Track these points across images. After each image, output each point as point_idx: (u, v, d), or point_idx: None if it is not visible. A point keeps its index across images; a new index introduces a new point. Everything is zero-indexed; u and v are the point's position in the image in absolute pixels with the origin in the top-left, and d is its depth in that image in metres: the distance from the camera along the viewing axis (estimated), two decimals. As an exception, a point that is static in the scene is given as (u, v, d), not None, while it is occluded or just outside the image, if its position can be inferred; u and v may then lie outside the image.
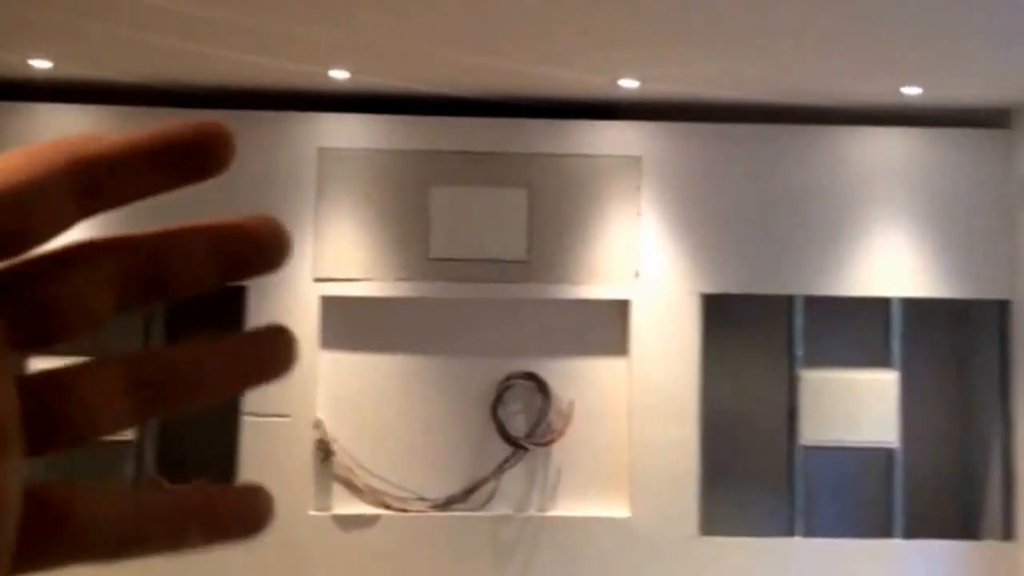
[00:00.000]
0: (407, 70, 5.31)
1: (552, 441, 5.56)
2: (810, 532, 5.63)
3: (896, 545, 5.63)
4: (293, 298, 5.46)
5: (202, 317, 5.56)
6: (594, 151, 5.65)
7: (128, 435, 5.34)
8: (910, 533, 5.65)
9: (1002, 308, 5.75)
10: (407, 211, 5.57)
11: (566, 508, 5.58)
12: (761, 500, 5.78)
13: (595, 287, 5.60)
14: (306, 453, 5.42)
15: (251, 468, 5.35)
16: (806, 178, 5.72)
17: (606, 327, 5.64)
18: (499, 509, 5.55)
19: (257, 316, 5.41)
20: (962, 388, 6.07)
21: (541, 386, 5.58)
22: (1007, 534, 5.67)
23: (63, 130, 5.35)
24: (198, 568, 5.20)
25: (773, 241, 5.68)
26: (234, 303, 5.42)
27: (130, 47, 5.00)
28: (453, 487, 5.55)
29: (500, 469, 5.54)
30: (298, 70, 5.25)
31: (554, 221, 5.60)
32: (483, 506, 5.55)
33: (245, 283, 5.29)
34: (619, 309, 5.61)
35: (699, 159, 5.68)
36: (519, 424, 5.59)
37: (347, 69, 5.26)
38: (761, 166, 5.69)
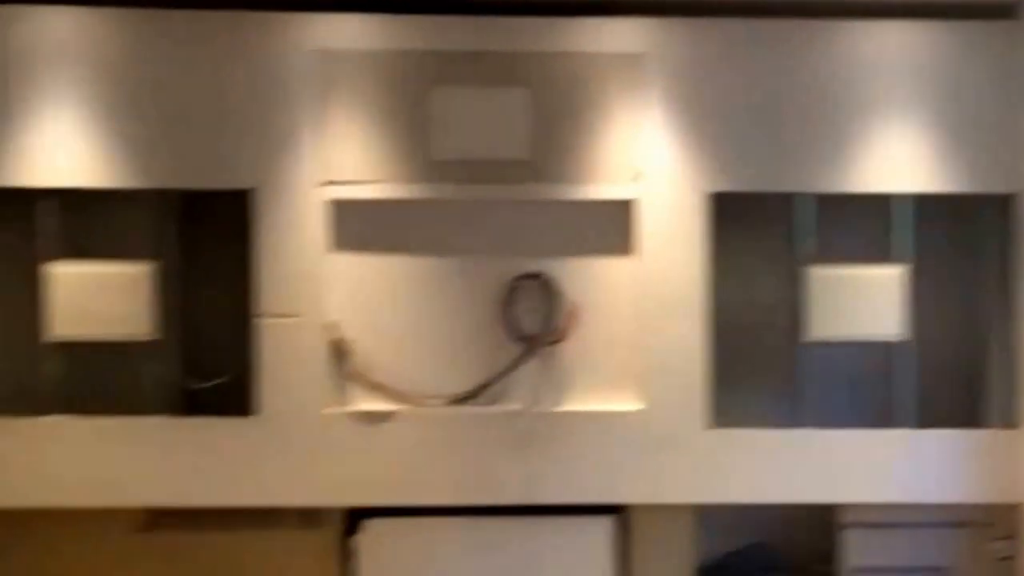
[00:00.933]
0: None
1: (561, 339, 5.76)
2: (817, 423, 5.83)
3: (900, 435, 5.82)
4: (299, 201, 5.63)
5: (212, 223, 5.91)
6: (597, 49, 5.72)
7: (151, 335, 5.67)
8: (914, 423, 5.84)
9: (1006, 202, 5.85)
10: (408, 112, 5.69)
11: (577, 403, 5.80)
12: (769, 393, 5.96)
13: (599, 187, 5.74)
14: (320, 353, 5.64)
15: (269, 368, 5.60)
16: (812, 73, 5.79)
17: (612, 226, 5.77)
18: (511, 405, 5.78)
19: (266, 220, 5.64)
20: (966, 281, 6.18)
21: (549, 285, 5.77)
22: (1009, 422, 5.85)
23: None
24: (219, 470, 5.63)
25: (779, 138, 5.76)
26: (242, 208, 5.63)
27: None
28: (465, 384, 5.78)
29: (511, 367, 5.75)
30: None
31: (557, 121, 5.71)
32: (495, 402, 5.80)
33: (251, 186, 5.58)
34: (624, 209, 5.75)
35: (703, 56, 5.75)
36: (529, 323, 5.78)
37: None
38: (766, 62, 5.76)
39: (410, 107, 5.70)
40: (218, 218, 5.82)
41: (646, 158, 5.75)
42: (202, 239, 5.88)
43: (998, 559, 5.92)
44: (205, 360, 5.79)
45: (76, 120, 5.62)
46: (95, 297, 5.65)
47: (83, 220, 5.76)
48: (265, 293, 5.63)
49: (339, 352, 5.69)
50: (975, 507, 5.89)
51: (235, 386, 5.68)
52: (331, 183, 5.67)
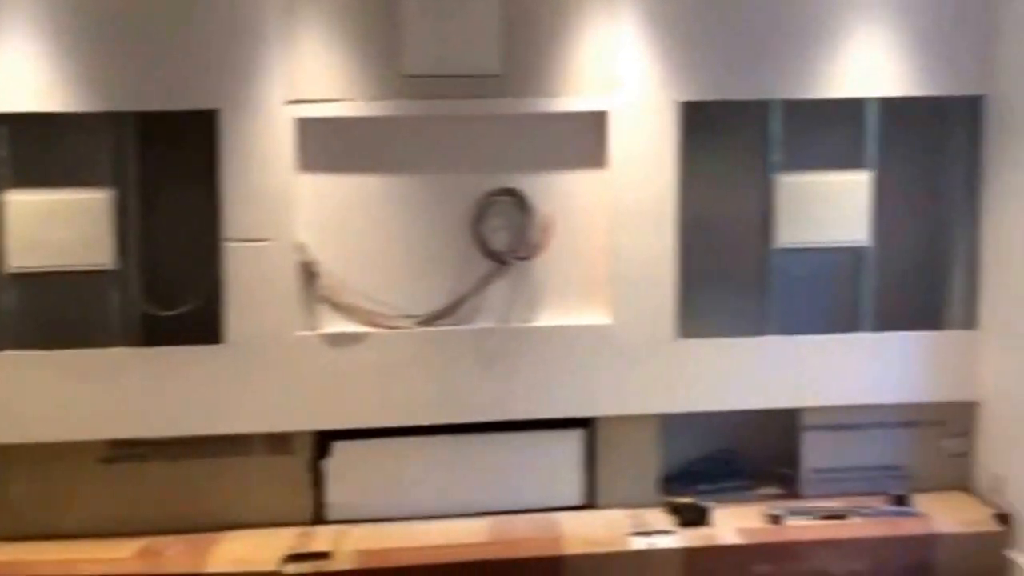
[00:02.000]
0: None
1: (533, 255, 5.78)
2: (784, 330, 5.98)
3: (865, 338, 6.02)
4: (266, 121, 5.48)
5: (175, 143, 5.75)
6: (568, -42, 5.59)
7: (112, 264, 5.55)
8: (879, 326, 6.03)
9: (976, 104, 5.95)
10: (378, 26, 5.53)
11: (548, 319, 5.85)
12: (737, 302, 6.06)
13: (572, 99, 5.68)
14: (290, 276, 5.58)
15: (236, 292, 5.52)
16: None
17: (584, 139, 5.75)
18: (483, 322, 5.81)
19: (231, 141, 5.50)
20: (934, 185, 6.29)
21: (521, 201, 5.75)
22: (969, 323, 6.09)
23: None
24: (187, 399, 5.59)
25: (750, 45, 5.74)
26: (206, 128, 5.47)
27: None
28: (437, 303, 5.78)
29: (483, 284, 5.77)
30: None
31: (529, 32, 5.61)
32: (467, 320, 5.83)
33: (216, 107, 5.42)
34: (597, 120, 5.71)
35: (674, -37, 5.66)
36: (500, 239, 5.77)
37: None
38: (736, -32, 5.70)
39: (380, 21, 5.54)
40: (181, 141, 5.65)
41: (618, 69, 5.72)
42: (164, 163, 5.69)
43: (950, 456, 6.20)
44: (170, 288, 5.66)
45: (32, 43, 5.38)
46: (53, 226, 5.50)
47: (40, 147, 5.53)
48: (231, 217, 5.51)
49: (308, 275, 5.64)
50: (929, 406, 6.14)
51: (202, 313, 5.59)
52: (298, 101, 5.52)
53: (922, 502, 5.96)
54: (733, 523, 5.75)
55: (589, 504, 6.00)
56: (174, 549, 5.45)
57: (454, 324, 5.81)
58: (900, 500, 5.94)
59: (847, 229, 6.01)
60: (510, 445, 5.92)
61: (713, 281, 6.10)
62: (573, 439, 5.97)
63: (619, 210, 5.78)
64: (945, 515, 5.86)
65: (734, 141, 6.05)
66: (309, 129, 5.56)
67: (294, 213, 5.58)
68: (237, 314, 5.55)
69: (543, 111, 5.70)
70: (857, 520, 5.82)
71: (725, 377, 5.96)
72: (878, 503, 5.96)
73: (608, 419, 5.96)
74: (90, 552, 5.44)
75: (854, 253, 6.04)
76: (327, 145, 5.64)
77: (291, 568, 5.35)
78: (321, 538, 5.60)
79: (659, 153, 5.77)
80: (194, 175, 5.60)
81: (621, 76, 5.71)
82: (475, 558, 5.47)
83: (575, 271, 5.88)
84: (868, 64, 5.87)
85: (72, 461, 5.65)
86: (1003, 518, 5.79)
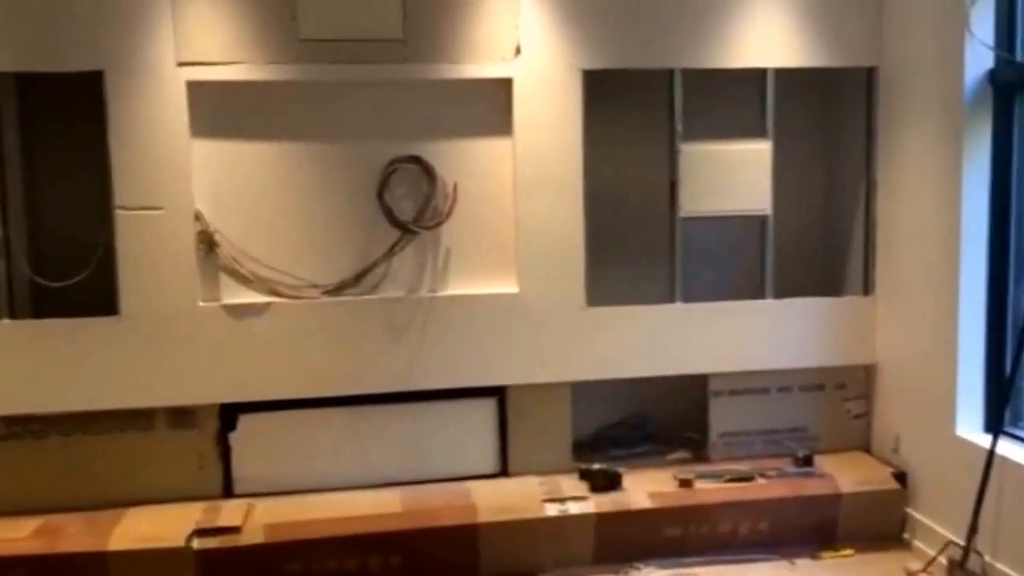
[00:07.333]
0: None
1: (439, 223, 5.11)
2: (690, 298, 5.42)
3: (768, 305, 5.47)
4: (156, 84, 4.75)
5: (60, 109, 4.89)
6: (471, -79, 4.98)
7: (-6, 234, 4.75)
8: (781, 293, 5.51)
9: (869, 75, 5.45)
10: (274, -13, 4.85)
11: (456, 287, 5.20)
12: (644, 270, 5.53)
13: (475, 66, 5.02)
14: (188, 245, 4.85)
15: (131, 263, 4.79)
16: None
17: (488, 106, 5.11)
18: (390, 292, 5.13)
19: (119, 105, 4.70)
20: (830, 155, 5.84)
21: (426, 169, 5.08)
22: (866, 289, 5.57)
23: None
24: (83, 373, 4.71)
25: (653, 14, 5.17)
26: (93, 93, 4.71)
27: None
28: (343, 273, 5.10)
29: (390, 253, 5.10)
30: None
31: (430, -3, 4.98)
32: (374, 289, 5.12)
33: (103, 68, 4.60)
34: (501, 87, 5.08)
35: (578, -70, 5.07)
36: (406, 208, 5.10)
37: None
38: (641, -64, 5.12)
39: (275, -19, 4.83)
40: (67, 104, 4.83)
41: (522, 35, 5.03)
42: (50, 127, 4.86)
43: (852, 417, 5.65)
44: (61, 258, 4.92)
45: None
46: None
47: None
48: (124, 184, 4.76)
49: (208, 244, 4.88)
50: (830, 370, 5.61)
51: (96, 284, 4.81)
52: (189, 64, 4.77)
53: (825, 463, 5.45)
54: (644, 487, 5.15)
55: (502, 472, 5.36)
56: (75, 527, 4.69)
57: (361, 294, 5.09)
58: (804, 461, 5.34)
59: (750, 198, 5.44)
60: (421, 415, 5.25)
61: (620, 249, 5.57)
62: (485, 408, 5.32)
63: (525, 178, 5.13)
64: (847, 475, 5.34)
65: (639, 110, 5.51)
66: (203, 93, 4.84)
67: (190, 180, 4.80)
68: (133, 285, 4.81)
69: (447, 77, 4.99)
70: (763, 482, 5.21)
71: (633, 345, 5.36)
72: (783, 465, 5.36)
73: (519, 387, 5.34)
74: (-15, 532, 4.61)
75: (757, 222, 5.44)
76: (224, 110, 4.91)
77: (198, 544, 4.56)
78: (229, 512, 4.87)
79: (564, 121, 5.14)
80: (83, 140, 4.79)
81: (523, 43, 4.98)
82: (387, 529, 4.80)
83: (483, 239, 5.22)
84: (766, 35, 5.36)
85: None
86: (900, 477, 5.25)
